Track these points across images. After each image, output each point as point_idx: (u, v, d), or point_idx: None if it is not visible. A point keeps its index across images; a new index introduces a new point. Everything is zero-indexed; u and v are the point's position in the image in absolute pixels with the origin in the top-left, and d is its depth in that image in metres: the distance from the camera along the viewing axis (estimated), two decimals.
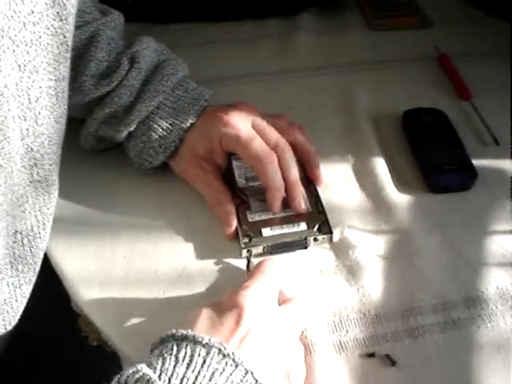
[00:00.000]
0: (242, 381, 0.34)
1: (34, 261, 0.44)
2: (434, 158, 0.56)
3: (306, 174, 0.54)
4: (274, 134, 0.52)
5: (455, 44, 0.73)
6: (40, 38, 0.37)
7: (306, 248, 0.50)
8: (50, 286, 0.50)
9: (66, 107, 0.44)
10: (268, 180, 0.50)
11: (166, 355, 0.35)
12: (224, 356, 0.34)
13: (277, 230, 0.49)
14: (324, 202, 0.52)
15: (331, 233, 0.49)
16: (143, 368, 0.33)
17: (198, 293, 0.47)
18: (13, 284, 0.43)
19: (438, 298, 0.46)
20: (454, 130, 0.59)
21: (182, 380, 0.33)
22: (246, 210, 0.51)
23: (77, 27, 0.53)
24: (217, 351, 0.34)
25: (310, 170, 0.54)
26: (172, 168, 0.55)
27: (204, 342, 0.35)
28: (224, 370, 0.34)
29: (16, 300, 0.44)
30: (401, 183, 0.56)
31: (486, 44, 0.73)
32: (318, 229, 0.50)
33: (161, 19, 0.76)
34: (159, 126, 0.53)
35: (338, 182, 0.56)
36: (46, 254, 0.51)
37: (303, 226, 0.50)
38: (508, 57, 0.67)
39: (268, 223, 0.50)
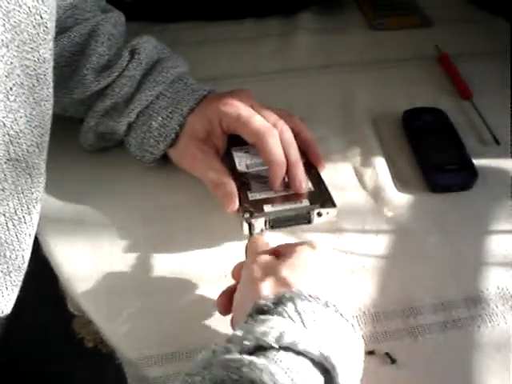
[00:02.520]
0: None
1: (21, 247, 0.44)
2: (435, 158, 0.56)
3: (307, 159, 0.54)
4: (272, 116, 0.52)
5: (455, 43, 0.73)
6: (8, 13, 0.37)
7: (309, 223, 0.49)
8: (45, 286, 0.50)
9: (50, 91, 0.43)
10: (269, 155, 0.50)
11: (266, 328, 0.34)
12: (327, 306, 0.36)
13: (278, 207, 0.49)
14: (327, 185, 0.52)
15: (335, 206, 0.49)
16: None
17: (196, 292, 0.47)
18: (2, 271, 0.43)
19: (438, 297, 0.46)
20: (454, 129, 0.59)
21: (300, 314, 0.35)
22: (246, 190, 0.51)
23: (77, 23, 0.54)
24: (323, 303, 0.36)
25: (312, 155, 0.54)
26: (171, 157, 0.55)
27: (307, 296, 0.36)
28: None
29: (6, 288, 0.44)
30: (401, 183, 0.56)
31: (486, 43, 0.73)
32: (321, 204, 0.49)
33: (161, 18, 0.76)
34: (159, 114, 0.53)
35: (338, 182, 0.56)
36: (44, 255, 0.51)
37: (306, 202, 0.49)
38: (508, 56, 0.67)
39: (269, 201, 0.49)
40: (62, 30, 0.53)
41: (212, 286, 0.47)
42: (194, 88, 0.55)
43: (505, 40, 0.70)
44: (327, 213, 0.49)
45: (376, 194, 0.55)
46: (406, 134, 0.60)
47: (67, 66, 0.54)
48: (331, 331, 0.35)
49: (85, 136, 0.56)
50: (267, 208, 0.49)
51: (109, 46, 0.54)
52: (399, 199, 0.54)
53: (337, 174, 0.57)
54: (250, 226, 0.48)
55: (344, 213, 0.52)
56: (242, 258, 0.49)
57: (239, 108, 0.51)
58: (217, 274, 0.48)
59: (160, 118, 0.53)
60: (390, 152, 0.59)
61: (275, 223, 0.48)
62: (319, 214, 0.49)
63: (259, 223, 0.48)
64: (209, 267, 0.49)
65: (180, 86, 0.55)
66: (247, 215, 0.48)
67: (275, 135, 0.50)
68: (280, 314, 0.35)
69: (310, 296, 0.36)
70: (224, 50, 0.73)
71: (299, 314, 0.35)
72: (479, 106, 0.63)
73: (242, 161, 0.54)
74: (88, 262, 0.49)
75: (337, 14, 0.80)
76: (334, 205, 0.49)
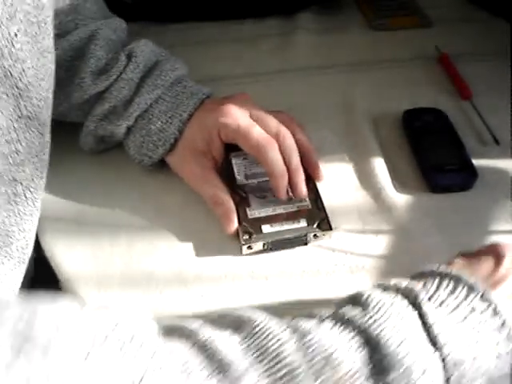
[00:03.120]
0: (497, 330, 0.34)
1: (37, 215, 0.44)
2: (434, 158, 0.56)
3: (304, 170, 0.54)
4: (273, 122, 0.52)
5: (455, 44, 0.73)
6: None
7: (306, 244, 0.50)
8: (46, 286, 0.50)
9: (51, 42, 0.42)
10: (271, 167, 0.50)
11: (428, 280, 0.36)
12: (486, 301, 0.35)
13: (277, 227, 0.49)
14: (324, 202, 0.52)
15: (331, 229, 0.49)
16: (408, 282, 0.36)
17: (195, 293, 0.47)
18: (22, 247, 0.42)
19: None
20: (454, 129, 0.59)
21: (441, 303, 0.34)
22: (245, 206, 0.51)
23: (77, 27, 0.54)
24: (480, 294, 0.35)
25: (310, 167, 0.54)
26: (169, 164, 0.55)
27: (470, 283, 0.35)
28: (482, 314, 0.34)
29: (23, 262, 0.44)
30: (401, 183, 0.56)
31: (486, 44, 0.73)
32: (317, 225, 0.50)
33: (161, 19, 0.76)
34: (158, 119, 0.53)
35: (338, 182, 0.56)
36: (44, 255, 0.51)
37: (303, 222, 0.50)
38: (508, 56, 0.67)
39: (268, 220, 0.50)
40: (63, 33, 0.53)
41: (212, 286, 0.47)
42: (193, 91, 0.55)
43: (505, 40, 0.70)
44: (323, 235, 0.49)
45: (376, 195, 0.55)
46: (406, 134, 0.60)
47: (67, 71, 0.54)
48: (469, 337, 0.33)
49: (84, 140, 0.56)
50: (266, 229, 0.49)
51: (107, 50, 0.54)
52: (399, 199, 0.54)
53: (336, 174, 0.57)
54: (249, 248, 0.49)
55: (344, 213, 0.52)
56: (242, 258, 0.49)
57: (238, 118, 0.51)
58: (217, 274, 0.48)
59: (159, 123, 0.53)
60: (389, 152, 0.59)
61: (273, 246, 0.49)
62: (315, 236, 0.49)
63: (258, 246, 0.49)
64: (209, 268, 0.49)
65: (179, 89, 0.55)
66: (246, 237, 0.48)
67: (274, 147, 0.50)
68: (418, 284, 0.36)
69: (476, 287, 0.35)
70: (224, 50, 0.73)
71: (434, 294, 0.35)
72: (479, 106, 0.63)
73: (240, 170, 0.54)
74: (88, 262, 0.49)
75: (337, 14, 0.80)
76: (330, 227, 0.49)
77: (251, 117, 0.52)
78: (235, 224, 0.50)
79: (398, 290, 0.36)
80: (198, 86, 0.56)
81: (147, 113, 0.54)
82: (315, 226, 0.50)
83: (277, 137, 0.51)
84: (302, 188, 0.51)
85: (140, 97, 0.53)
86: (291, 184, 0.51)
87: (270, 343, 0.31)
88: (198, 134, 0.53)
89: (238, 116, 0.51)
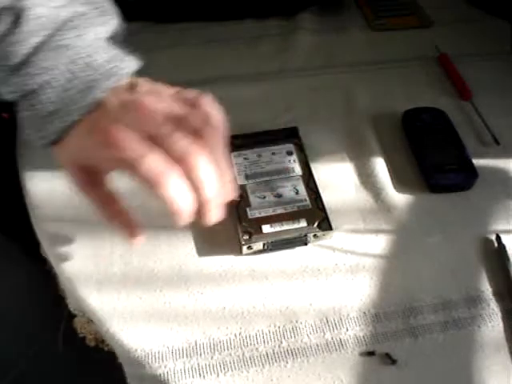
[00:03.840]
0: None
1: None
2: (434, 158, 0.56)
3: (303, 169, 0.54)
4: (179, 143, 0.38)
5: (455, 44, 0.73)
6: None
7: (306, 244, 0.50)
8: (46, 287, 0.50)
9: None
10: (168, 204, 0.39)
11: None
12: None
13: (277, 227, 0.49)
14: (324, 202, 0.52)
15: (331, 229, 0.49)
16: None
17: (195, 291, 0.47)
18: None
19: (439, 297, 0.46)
20: (454, 129, 0.59)
21: None
22: (245, 206, 0.51)
23: None
24: None
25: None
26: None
27: None
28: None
29: None
30: (401, 183, 0.56)
31: (486, 44, 0.73)
32: (317, 225, 0.50)
33: (161, 18, 0.76)
34: (42, 105, 0.40)
35: (338, 182, 0.56)
36: (44, 255, 0.51)
37: (303, 222, 0.50)
38: (508, 57, 0.67)
39: (268, 220, 0.50)
40: None
41: (212, 286, 0.47)
42: (91, 81, 0.40)
43: (505, 40, 0.70)
44: (323, 235, 0.49)
45: (376, 194, 0.55)
46: (406, 133, 0.60)
47: None
48: None
49: None
50: (266, 228, 0.49)
51: None
52: (399, 199, 0.54)
53: (337, 174, 0.57)
54: (249, 248, 0.49)
55: (344, 213, 0.52)
56: (242, 258, 0.49)
57: (124, 150, 0.37)
58: (217, 274, 0.48)
59: (45, 111, 0.40)
60: (389, 152, 0.59)
61: (273, 246, 0.49)
62: (315, 236, 0.49)
63: (258, 246, 0.49)
64: (209, 267, 0.49)
65: (77, 69, 0.40)
66: (246, 237, 0.48)
67: (168, 182, 0.37)
68: None
69: None
70: (224, 51, 0.72)
71: None
72: (479, 106, 0.63)
73: (241, 170, 0.54)
74: (88, 261, 0.49)
75: (337, 15, 0.80)
76: (330, 227, 0.49)
77: (151, 136, 0.38)
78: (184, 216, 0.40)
79: None
80: (110, 64, 0.40)
81: (26, 98, 0.40)
82: (315, 225, 0.50)
83: (181, 163, 0.38)
84: (212, 217, 0.40)
85: (20, 77, 0.39)
86: (201, 212, 0.40)
87: None
88: (78, 152, 0.41)
89: (125, 146, 0.37)
